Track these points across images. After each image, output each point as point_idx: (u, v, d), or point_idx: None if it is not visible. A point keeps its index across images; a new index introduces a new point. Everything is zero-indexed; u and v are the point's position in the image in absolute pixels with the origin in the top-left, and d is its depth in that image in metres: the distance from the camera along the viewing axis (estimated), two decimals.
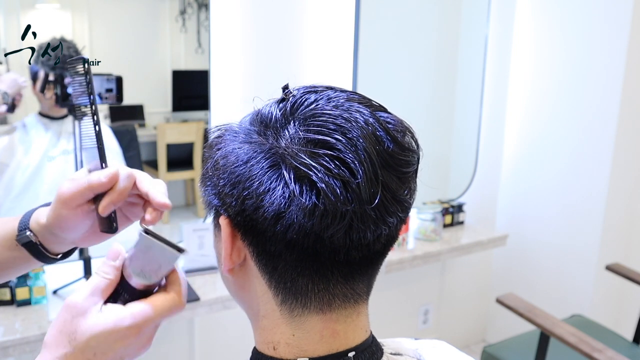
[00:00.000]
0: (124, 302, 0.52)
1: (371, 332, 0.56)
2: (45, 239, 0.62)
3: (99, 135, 0.58)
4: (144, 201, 0.59)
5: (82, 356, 0.50)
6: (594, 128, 2.32)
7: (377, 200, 0.47)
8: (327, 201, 0.46)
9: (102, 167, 0.58)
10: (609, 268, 2.15)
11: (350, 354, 0.52)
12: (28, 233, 0.62)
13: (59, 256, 0.66)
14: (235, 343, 1.99)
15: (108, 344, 0.50)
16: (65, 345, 0.50)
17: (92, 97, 0.57)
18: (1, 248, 0.64)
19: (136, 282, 0.53)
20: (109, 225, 0.58)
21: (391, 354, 0.58)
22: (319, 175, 0.46)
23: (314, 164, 0.46)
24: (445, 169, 2.65)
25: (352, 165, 0.46)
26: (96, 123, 0.58)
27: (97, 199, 0.58)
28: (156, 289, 0.55)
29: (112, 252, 0.54)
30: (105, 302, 0.52)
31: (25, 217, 0.64)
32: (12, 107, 1.69)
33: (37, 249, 0.63)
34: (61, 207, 0.58)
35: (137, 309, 0.51)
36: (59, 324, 0.51)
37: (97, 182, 0.56)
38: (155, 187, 0.58)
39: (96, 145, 0.58)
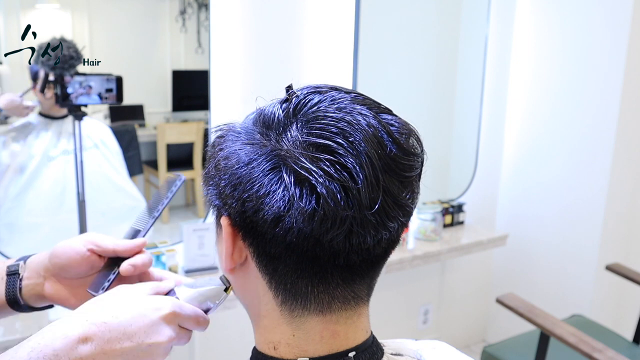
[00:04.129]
0: None
1: (372, 333, 0.56)
2: (28, 276, 0.65)
3: (150, 226, 0.67)
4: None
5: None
6: (594, 128, 2.32)
7: (377, 206, 0.47)
8: (326, 206, 0.45)
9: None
10: (609, 268, 2.15)
11: (351, 354, 0.53)
12: (21, 263, 0.65)
13: (24, 307, 0.67)
14: (236, 343, 1.99)
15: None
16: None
17: (166, 204, 0.68)
18: None
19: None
20: (101, 288, 0.62)
21: (392, 354, 0.58)
22: (320, 179, 0.45)
23: (314, 168, 0.46)
24: (445, 169, 2.64)
25: (353, 169, 0.46)
26: (154, 218, 0.67)
27: (109, 265, 0.64)
28: None
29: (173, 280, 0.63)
30: None
31: (27, 255, 0.67)
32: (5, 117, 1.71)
33: (14, 284, 0.64)
34: (80, 243, 0.63)
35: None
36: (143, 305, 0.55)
37: (124, 247, 0.63)
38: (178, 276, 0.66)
39: (140, 228, 0.67)
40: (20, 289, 0.64)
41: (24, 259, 0.66)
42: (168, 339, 0.55)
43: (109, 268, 0.63)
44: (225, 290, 0.59)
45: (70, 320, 0.51)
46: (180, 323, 0.57)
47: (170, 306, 0.56)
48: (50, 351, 0.49)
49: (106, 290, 0.61)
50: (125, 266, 0.61)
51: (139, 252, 0.64)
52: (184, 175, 0.69)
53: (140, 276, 0.66)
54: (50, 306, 0.68)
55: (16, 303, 0.65)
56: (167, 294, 0.59)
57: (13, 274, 0.64)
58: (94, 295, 0.61)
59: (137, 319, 0.53)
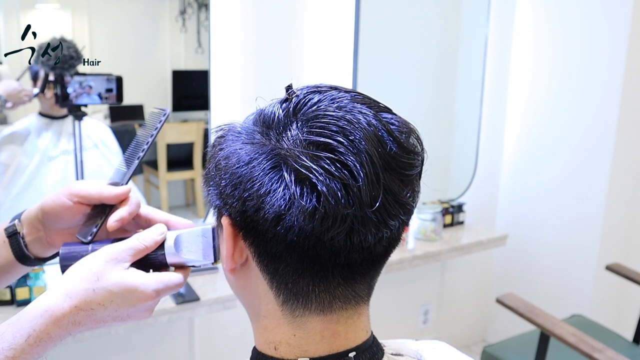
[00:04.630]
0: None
1: (372, 333, 0.56)
2: (29, 232, 0.65)
3: (135, 167, 0.65)
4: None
5: (98, 299, 0.53)
6: (594, 128, 2.32)
7: (378, 204, 0.47)
8: (327, 204, 0.45)
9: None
10: (609, 268, 2.15)
11: (351, 354, 0.53)
12: (16, 222, 0.65)
13: (35, 260, 0.67)
14: (235, 343, 1.99)
15: (126, 298, 0.54)
16: (90, 282, 0.54)
17: (150, 142, 0.65)
18: None
19: (172, 259, 0.59)
20: (89, 234, 0.62)
21: (392, 354, 0.58)
22: (320, 177, 0.45)
23: (315, 166, 0.46)
24: (445, 169, 2.65)
25: (354, 167, 0.46)
26: (139, 159, 0.65)
27: (97, 209, 0.63)
28: (172, 269, 0.61)
29: (158, 228, 0.60)
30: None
31: (19, 213, 0.67)
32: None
33: (18, 242, 0.65)
34: (65, 195, 0.62)
35: (161, 278, 0.57)
36: (91, 261, 0.55)
37: (108, 194, 0.62)
38: (171, 215, 0.64)
39: (125, 170, 0.65)
40: (25, 245, 0.65)
41: (17, 217, 0.66)
42: (150, 313, 0.57)
43: (97, 213, 0.63)
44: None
45: (54, 299, 0.53)
46: (163, 296, 0.58)
47: (150, 292, 0.55)
48: (45, 335, 0.51)
49: (94, 236, 0.61)
50: (111, 223, 0.60)
51: (125, 199, 0.63)
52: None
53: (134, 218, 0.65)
54: (57, 253, 0.68)
55: (27, 259, 0.66)
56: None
57: (14, 234, 0.65)
58: (83, 242, 0.61)
59: (115, 310, 0.54)
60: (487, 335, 2.88)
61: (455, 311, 2.74)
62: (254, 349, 0.56)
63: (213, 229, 0.60)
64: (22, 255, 0.65)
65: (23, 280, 1.55)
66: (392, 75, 2.40)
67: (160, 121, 0.64)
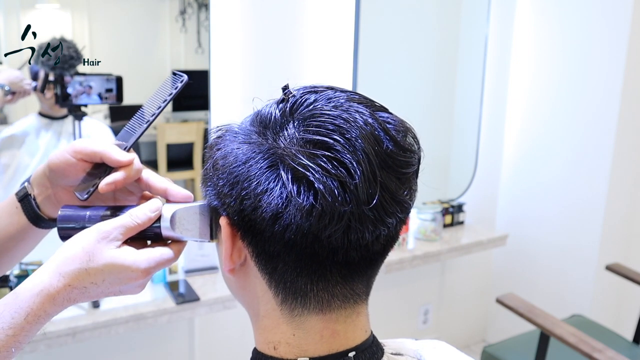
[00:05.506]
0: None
1: (372, 332, 0.56)
2: (39, 192, 0.65)
3: (144, 130, 0.63)
4: (141, 196, 0.64)
5: (91, 278, 0.54)
6: (594, 128, 2.32)
7: (375, 201, 0.47)
8: (324, 202, 0.46)
9: (124, 149, 0.62)
10: (609, 268, 2.15)
11: (351, 354, 0.53)
12: (27, 184, 0.65)
13: (49, 221, 0.67)
14: (235, 343, 1.99)
15: (118, 277, 0.54)
16: (82, 262, 0.54)
17: (162, 107, 0.63)
18: (4, 214, 0.66)
19: (167, 233, 0.58)
20: (86, 192, 0.61)
21: (392, 354, 0.58)
22: (317, 175, 0.46)
23: (311, 164, 0.46)
24: (445, 169, 2.65)
25: (350, 165, 0.46)
26: (148, 123, 0.63)
27: (99, 167, 0.62)
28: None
29: (153, 204, 0.58)
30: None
31: (28, 177, 0.67)
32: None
33: (30, 204, 0.65)
34: (69, 152, 0.61)
35: (152, 256, 0.56)
36: (83, 240, 0.55)
37: (110, 156, 0.60)
38: (171, 183, 0.63)
39: (134, 132, 0.63)
40: (37, 206, 0.65)
41: (27, 180, 0.66)
42: (142, 288, 0.58)
43: (98, 172, 0.61)
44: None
45: (49, 279, 0.54)
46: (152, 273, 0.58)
47: (142, 271, 0.55)
48: (42, 313, 0.53)
49: (91, 194, 0.60)
50: (102, 186, 0.59)
51: (128, 164, 0.61)
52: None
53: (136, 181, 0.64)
54: None
55: (41, 220, 0.66)
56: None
57: (25, 197, 0.65)
58: (80, 199, 0.60)
59: (107, 288, 0.55)
60: (487, 335, 2.88)
61: (455, 311, 2.74)
62: (254, 349, 0.56)
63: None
64: (36, 216, 0.65)
65: (23, 280, 1.55)
66: (392, 75, 2.40)
67: (176, 87, 0.62)
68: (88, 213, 0.59)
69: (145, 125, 0.62)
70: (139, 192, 0.64)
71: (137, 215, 0.57)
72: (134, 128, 0.63)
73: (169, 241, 0.59)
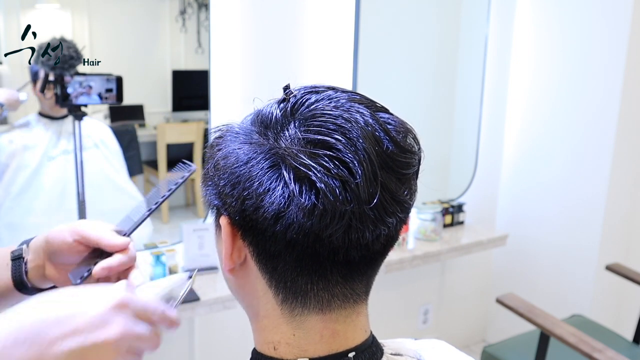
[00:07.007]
0: None
1: (371, 332, 0.56)
2: (32, 259, 0.65)
3: (143, 220, 0.64)
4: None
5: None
6: (594, 128, 2.32)
7: (375, 201, 0.47)
8: (326, 201, 0.46)
9: (123, 235, 0.63)
10: (609, 268, 2.15)
11: (351, 354, 0.53)
12: (24, 247, 0.66)
13: (32, 289, 0.67)
14: (235, 343, 1.99)
15: None
16: (42, 347, 0.45)
17: (168, 195, 0.64)
18: None
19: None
20: (79, 277, 0.62)
21: (391, 354, 0.58)
22: (318, 175, 0.46)
23: (313, 164, 0.46)
24: (445, 169, 2.64)
25: (352, 165, 0.46)
26: (150, 211, 0.64)
27: (96, 252, 0.63)
28: None
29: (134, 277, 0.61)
30: None
31: (30, 238, 0.67)
32: None
33: (19, 267, 0.65)
34: (68, 232, 0.62)
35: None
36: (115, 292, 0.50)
37: (105, 242, 0.61)
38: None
39: (135, 221, 0.64)
40: (26, 272, 0.65)
41: (26, 242, 0.67)
42: (120, 334, 0.46)
43: (92, 257, 0.62)
44: (190, 277, 0.59)
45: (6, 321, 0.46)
46: (137, 313, 0.49)
47: (120, 294, 0.48)
48: None
49: (84, 279, 0.60)
50: (97, 269, 0.59)
51: (123, 249, 0.61)
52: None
53: (126, 272, 0.63)
54: (54, 286, 0.68)
55: (24, 286, 0.66)
56: None
57: (18, 259, 0.65)
58: (74, 283, 0.60)
59: (78, 313, 0.46)
60: (487, 335, 2.88)
61: (455, 311, 2.74)
62: (254, 350, 0.56)
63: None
64: (20, 281, 0.65)
65: None
66: (392, 75, 2.40)
67: (183, 176, 0.63)
68: None
69: (147, 213, 0.63)
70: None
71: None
72: (135, 215, 0.64)
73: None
